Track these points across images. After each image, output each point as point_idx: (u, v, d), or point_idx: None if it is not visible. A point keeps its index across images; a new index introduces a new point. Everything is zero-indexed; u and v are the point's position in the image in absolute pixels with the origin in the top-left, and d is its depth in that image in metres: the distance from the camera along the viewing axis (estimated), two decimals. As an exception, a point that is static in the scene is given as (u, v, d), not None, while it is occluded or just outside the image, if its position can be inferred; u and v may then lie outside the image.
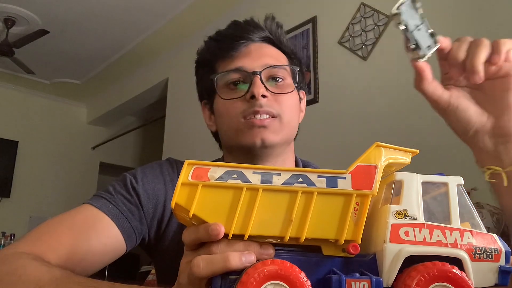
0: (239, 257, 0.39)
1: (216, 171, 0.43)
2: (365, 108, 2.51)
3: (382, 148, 0.44)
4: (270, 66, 0.72)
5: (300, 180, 0.42)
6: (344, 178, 0.43)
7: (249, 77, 0.72)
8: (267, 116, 0.72)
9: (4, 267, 0.58)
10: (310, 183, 0.42)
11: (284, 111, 0.75)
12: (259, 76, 0.71)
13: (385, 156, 0.44)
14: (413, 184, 0.43)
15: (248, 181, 0.42)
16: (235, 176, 0.42)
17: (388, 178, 0.45)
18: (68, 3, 3.68)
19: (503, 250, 0.42)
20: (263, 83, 0.71)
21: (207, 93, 0.83)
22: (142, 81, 4.81)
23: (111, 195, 0.71)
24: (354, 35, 2.70)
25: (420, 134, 2.23)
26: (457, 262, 0.40)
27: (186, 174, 0.43)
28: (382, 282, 0.39)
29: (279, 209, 0.42)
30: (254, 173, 0.43)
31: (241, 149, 0.75)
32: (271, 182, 0.42)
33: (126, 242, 0.71)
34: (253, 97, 0.71)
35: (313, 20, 2.97)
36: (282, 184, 0.42)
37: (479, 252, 0.41)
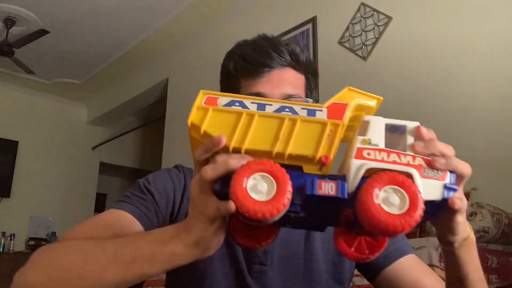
0: (237, 160, 0.50)
1: (223, 100, 0.53)
2: (365, 108, 2.51)
3: (352, 91, 0.56)
4: (286, 97, 0.80)
5: (287, 110, 0.53)
6: (321, 110, 0.53)
7: None
8: None
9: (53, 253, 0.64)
10: (295, 113, 0.52)
11: None
12: None
13: (354, 97, 0.55)
14: (378, 123, 0.53)
15: (247, 108, 0.53)
16: (237, 104, 0.53)
17: (360, 120, 0.54)
18: (68, 3, 3.68)
19: (448, 172, 0.50)
20: None
21: None
22: (142, 81, 4.81)
23: (128, 198, 0.79)
24: (354, 35, 2.70)
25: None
26: (410, 177, 0.49)
27: (200, 100, 0.53)
28: (345, 185, 0.49)
29: (270, 130, 0.52)
30: (252, 102, 0.53)
31: None
32: (264, 110, 0.53)
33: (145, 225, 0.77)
34: None
35: (313, 20, 2.97)
36: (273, 111, 0.53)
37: (428, 172, 0.50)
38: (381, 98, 0.56)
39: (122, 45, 4.41)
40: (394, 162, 0.50)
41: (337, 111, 0.53)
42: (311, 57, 2.88)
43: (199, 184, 0.52)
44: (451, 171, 0.50)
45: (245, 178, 0.48)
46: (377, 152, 0.50)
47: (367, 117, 0.54)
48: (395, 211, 0.46)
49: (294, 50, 0.84)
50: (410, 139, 0.52)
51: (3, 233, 4.93)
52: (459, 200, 0.51)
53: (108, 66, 4.84)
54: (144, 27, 4.06)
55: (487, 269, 1.58)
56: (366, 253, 0.54)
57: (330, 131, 0.52)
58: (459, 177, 0.52)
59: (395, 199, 0.47)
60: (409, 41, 2.43)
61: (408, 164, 0.50)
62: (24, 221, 5.21)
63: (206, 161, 0.53)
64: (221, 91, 0.89)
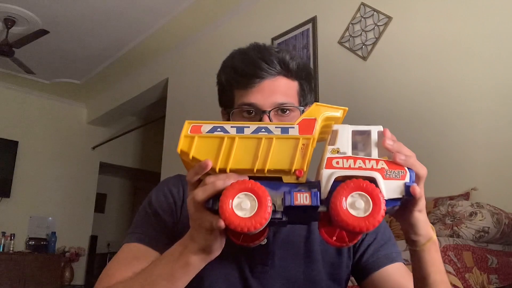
0: (223, 181, 0.57)
1: (206, 127, 0.61)
2: (365, 108, 2.51)
3: (319, 106, 0.62)
4: (277, 107, 0.84)
5: (263, 130, 0.60)
6: (294, 127, 0.60)
7: (259, 113, 0.84)
8: None
9: None
10: (270, 132, 0.60)
11: None
12: (267, 115, 0.83)
13: (321, 111, 0.62)
14: (345, 132, 0.60)
15: (228, 132, 0.60)
16: (219, 130, 0.60)
17: (328, 129, 0.61)
18: (68, 3, 3.68)
19: (408, 172, 0.58)
20: (271, 121, 0.83)
21: (225, 107, 0.92)
22: (142, 81, 4.81)
23: (138, 228, 0.86)
24: (354, 35, 2.70)
25: (419, 133, 2.22)
26: (374, 181, 0.56)
27: (186, 129, 0.60)
28: (318, 193, 0.56)
29: (249, 150, 0.59)
30: (231, 127, 0.60)
31: None
32: (243, 132, 0.60)
33: (161, 250, 0.83)
34: None
35: (313, 20, 2.97)
36: (251, 133, 0.60)
37: (389, 173, 0.57)
38: (346, 108, 0.63)
39: (122, 45, 4.41)
40: (360, 168, 0.57)
41: (307, 126, 0.60)
42: (311, 57, 2.89)
43: (193, 204, 0.60)
44: (410, 171, 0.58)
45: (231, 200, 0.55)
46: (344, 160, 0.58)
47: (335, 127, 0.61)
48: (361, 214, 0.54)
49: (283, 59, 0.85)
50: (374, 142, 0.60)
51: (3, 233, 4.94)
52: (419, 191, 0.57)
53: (108, 66, 4.84)
54: (144, 27, 4.06)
55: (487, 269, 1.58)
56: (346, 241, 0.63)
57: (302, 145, 0.59)
58: (417, 178, 0.59)
59: (361, 203, 0.55)
60: (409, 41, 2.43)
61: (372, 169, 0.57)
62: (24, 221, 5.21)
63: (199, 181, 0.61)
64: (219, 99, 0.93)
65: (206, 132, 0.60)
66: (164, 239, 0.83)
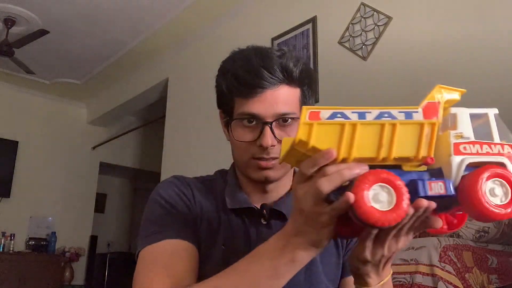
0: (349, 171, 0.53)
1: (325, 113, 0.55)
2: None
3: (442, 89, 0.59)
4: (280, 118, 0.82)
5: (386, 115, 0.55)
6: (417, 112, 0.56)
7: (261, 124, 0.82)
8: (273, 159, 0.83)
9: None
10: (393, 117, 0.55)
11: None
12: (269, 127, 0.81)
13: (443, 94, 0.59)
14: (464, 115, 0.58)
15: (349, 118, 0.55)
16: (339, 115, 0.55)
17: (444, 112, 0.58)
18: (68, 3, 3.68)
19: None
20: (273, 132, 0.81)
21: (224, 111, 0.89)
22: (142, 81, 4.81)
23: (161, 226, 0.80)
24: (354, 35, 2.70)
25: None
26: (504, 166, 0.55)
27: (304, 116, 0.55)
28: (451, 182, 0.54)
29: (372, 137, 0.55)
30: (352, 112, 0.55)
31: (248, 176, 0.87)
32: (365, 118, 0.55)
33: (196, 245, 0.80)
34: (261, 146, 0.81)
35: (313, 20, 2.97)
36: (373, 119, 0.55)
37: None
38: (464, 90, 0.60)
39: (122, 45, 4.41)
40: (488, 154, 0.56)
41: (431, 110, 0.57)
42: (311, 57, 2.89)
43: (313, 196, 0.55)
44: None
45: (366, 191, 0.52)
46: (471, 146, 0.56)
47: (453, 110, 0.58)
48: (498, 201, 0.54)
49: (287, 66, 0.82)
50: (493, 125, 0.58)
51: (3, 233, 4.93)
52: None
53: (108, 66, 4.84)
54: (144, 27, 4.06)
55: (487, 269, 1.58)
56: (455, 225, 0.63)
57: (428, 130, 0.56)
58: None
59: (500, 190, 0.54)
60: (409, 41, 2.43)
61: (499, 154, 0.56)
62: (24, 221, 5.21)
63: (309, 176, 0.57)
64: (217, 102, 0.91)
65: (326, 119, 0.55)
66: (192, 231, 0.80)
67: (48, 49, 4.44)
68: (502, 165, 0.55)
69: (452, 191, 0.54)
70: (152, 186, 0.92)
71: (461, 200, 0.54)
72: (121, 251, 6.50)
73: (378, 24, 2.59)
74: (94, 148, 5.90)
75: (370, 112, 0.55)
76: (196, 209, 0.84)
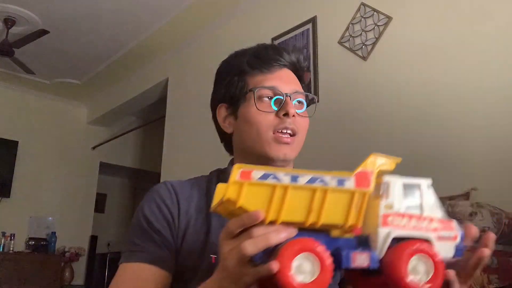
0: (276, 234, 0.53)
1: (257, 173, 0.55)
2: (365, 108, 2.51)
3: (377, 157, 0.59)
4: (298, 92, 0.87)
5: (318, 180, 0.55)
6: (350, 179, 0.56)
7: (281, 96, 0.85)
8: (291, 133, 0.85)
9: None
10: (325, 183, 0.55)
11: (301, 130, 0.89)
12: (290, 98, 0.85)
13: (378, 163, 0.59)
14: (396, 185, 0.58)
15: (281, 180, 0.54)
16: (271, 176, 0.55)
17: (377, 180, 0.58)
18: (68, 3, 3.68)
19: (459, 233, 0.58)
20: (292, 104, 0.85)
21: (232, 98, 0.90)
22: (142, 81, 4.81)
23: (136, 245, 0.83)
24: (354, 35, 2.70)
25: (419, 133, 2.22)
26: (429, 243, 0.56)
27: (235, 175, 0.54)
28: (376, 256, 0.54)
29: (303, 201, 0.55)
30: (285, 175, 0.55)
31: (261, 157, 0.86)
32: (297, 181, 0.55)
33: (168, 270, 0.82)
34: (285, 114, 0.85)
35: (313, 20, 2.97)
36: (305, 183, 0.55)
37: (443, 233, 0.57)
38: (400, 159, 0.61)
39: (122, 45, 4.41)
40: (415, 228, 0.56)
41: (363, 179, 0.57)
42: (311, 57, 2.89)
43: (237, 257, 0.54)
44: (461, 232, 0.58)
45: (290, 262, 0.51)
46: (400, 218, 0.56)
47: (386, 178, 0.58)
48: (423, 278, 0.54)
49: (299, 58, 0.91)
50: (425, 196, 0.58)
51: (3, 233, 4.93)
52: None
53: (108, 66, 4.84)
54: (144, 27, 4.06)
55: (487, 269, 1.58)
56: None
57: (357, 200, 0.56)
58: (466, 239, 0.60)
59: (422, 267, 0.54)
60: (409, 41, 2.43)
61: (426, 229, 0.57)
62: (24, 221, 5.21)
63: (237, 234, 0.57)
64: (216, 91, 0.93)
65: (258, 179, 0.54)
66: (167, 255, 0.81)
67: (48, 49, 4.44)
68: (427, 240, 0.56)
69: (376, 264, 0.54)
70: (152, 186, 0.91)
71: (384, 273, 0.55)
72: (121, 251, 6.49)
73: (378, 24, 2.58)
74: (94, 148, 5.90)
75: (302, 176, 0.55)
76: (181, 220, 0.84)
